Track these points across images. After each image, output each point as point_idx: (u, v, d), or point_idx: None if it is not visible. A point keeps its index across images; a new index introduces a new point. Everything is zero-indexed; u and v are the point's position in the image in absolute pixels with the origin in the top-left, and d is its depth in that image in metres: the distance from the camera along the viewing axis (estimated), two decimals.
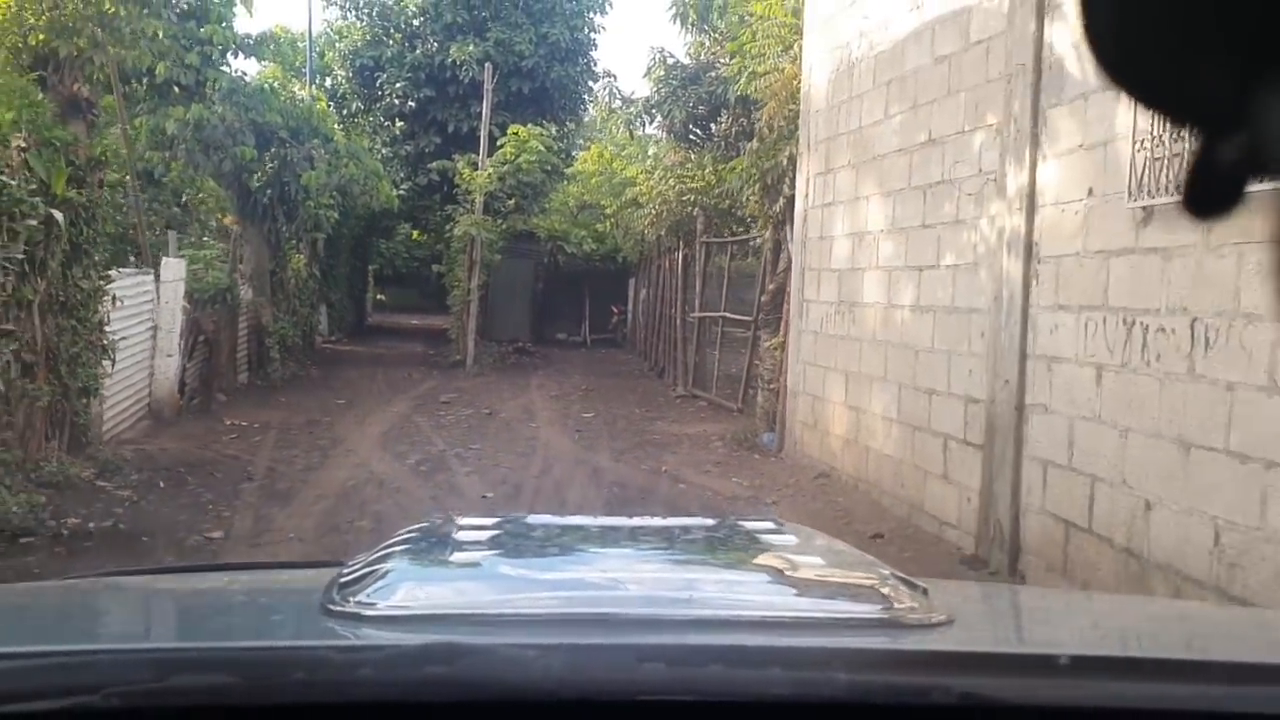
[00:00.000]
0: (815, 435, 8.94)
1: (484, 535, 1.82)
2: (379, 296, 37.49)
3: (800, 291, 9.33)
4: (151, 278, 10.69)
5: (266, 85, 14.52)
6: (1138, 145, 4.59)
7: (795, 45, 9.52)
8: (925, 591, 1.48)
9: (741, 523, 2.09)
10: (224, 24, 13.49)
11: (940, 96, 6.74)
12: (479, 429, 11.31)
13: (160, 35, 10.53)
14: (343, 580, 1.41)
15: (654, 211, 15.92)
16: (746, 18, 11.11)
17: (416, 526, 1.93)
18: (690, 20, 15.19)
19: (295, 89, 16.85)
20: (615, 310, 23.31)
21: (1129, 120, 4.66)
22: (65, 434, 7.94)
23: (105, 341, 8.53)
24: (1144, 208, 4.60)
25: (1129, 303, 4.73)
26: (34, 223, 6.70)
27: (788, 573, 1.62)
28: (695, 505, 7.66)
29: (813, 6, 9.07)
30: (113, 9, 8.20)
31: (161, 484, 7.82)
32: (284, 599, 1.70)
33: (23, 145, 6.71)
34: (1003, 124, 5.91)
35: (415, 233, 30.04)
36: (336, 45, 22.39)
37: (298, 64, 21.83)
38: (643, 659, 1.15)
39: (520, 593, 1.45)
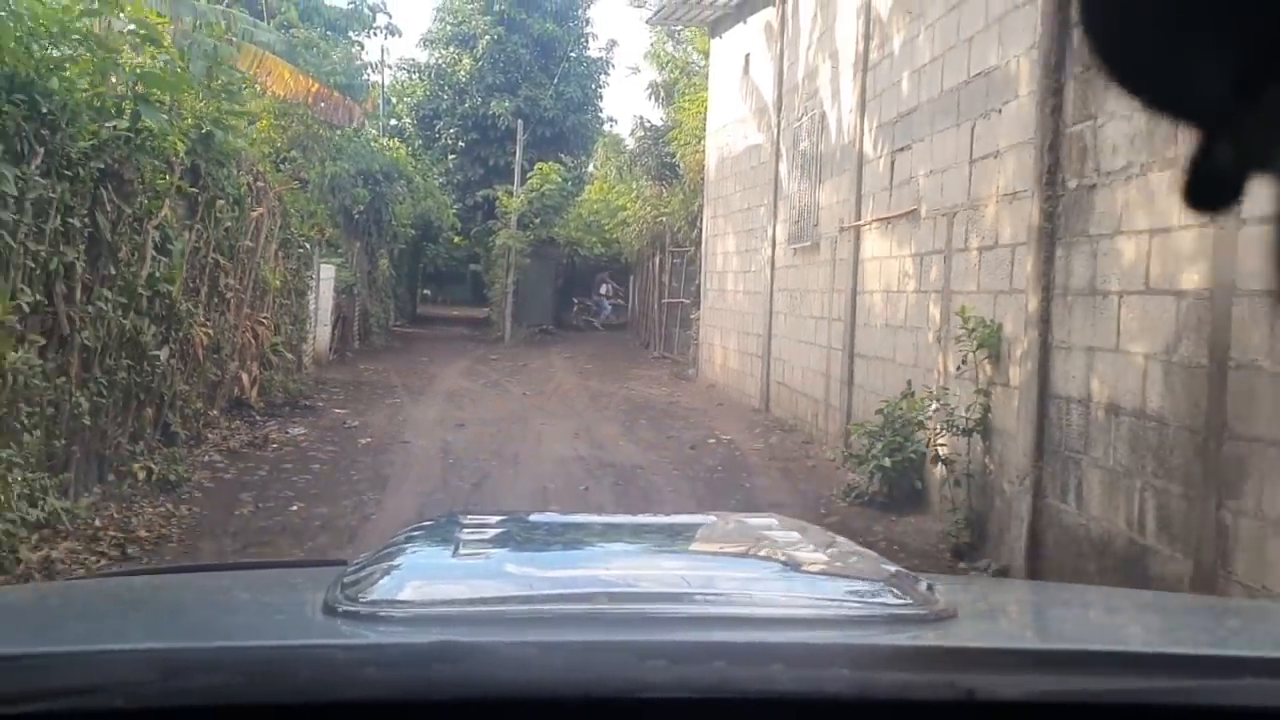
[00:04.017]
0: (711, 366, 15.68)
1: (487, 533, 1.83)
2: (425, 291, 44.57)
3: (705, 284, 16.08)
4: (314, 275, 17.50)
5: (372, 143, 21.32)
6: (790, 221, 11.30)
7: (702, 140, 16.26)
8: (929, 587, 1.48)
9: (744, 519, 2.16)
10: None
11: (750, 186, 13.45)
12: (518, 372, 18.08)
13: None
14: (347, 579, 1.43)
15: (638, 229, 22.62)
16: (679, 122, 17.89)
17: (421, 524, 2.01)
18: (660, 97, 21.92)
19: (378, 137, 23.64)
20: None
21: (789, 210, 11.37)
22: (294, 362, 14.73)
23: (308, 313, 15.36)
24: (794, 248, 11.29)
25: (791, 286, 11.43)
26: (302, 250, 13.52)
27: (790, 569, 1.63)
28: (637, 398, 14.35)
29: (710, 122, 15.85)
30: (320, 130, 15.05)
31: (351, 389, 14.60)
32: (289, 598, 1.71)
33: (291, 212, 13.49)
34: (769, 204, 12.60)
35: (457, 239, 36.94)
36: (404, 99, 29.43)
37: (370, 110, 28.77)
38: (645, 657, 1.16)
39: (524, 591, 1.46)
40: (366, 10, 21.96)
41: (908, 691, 1.13)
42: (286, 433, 9.99)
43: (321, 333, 17.82)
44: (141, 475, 7.37)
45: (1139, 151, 4.67)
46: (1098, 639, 1.56)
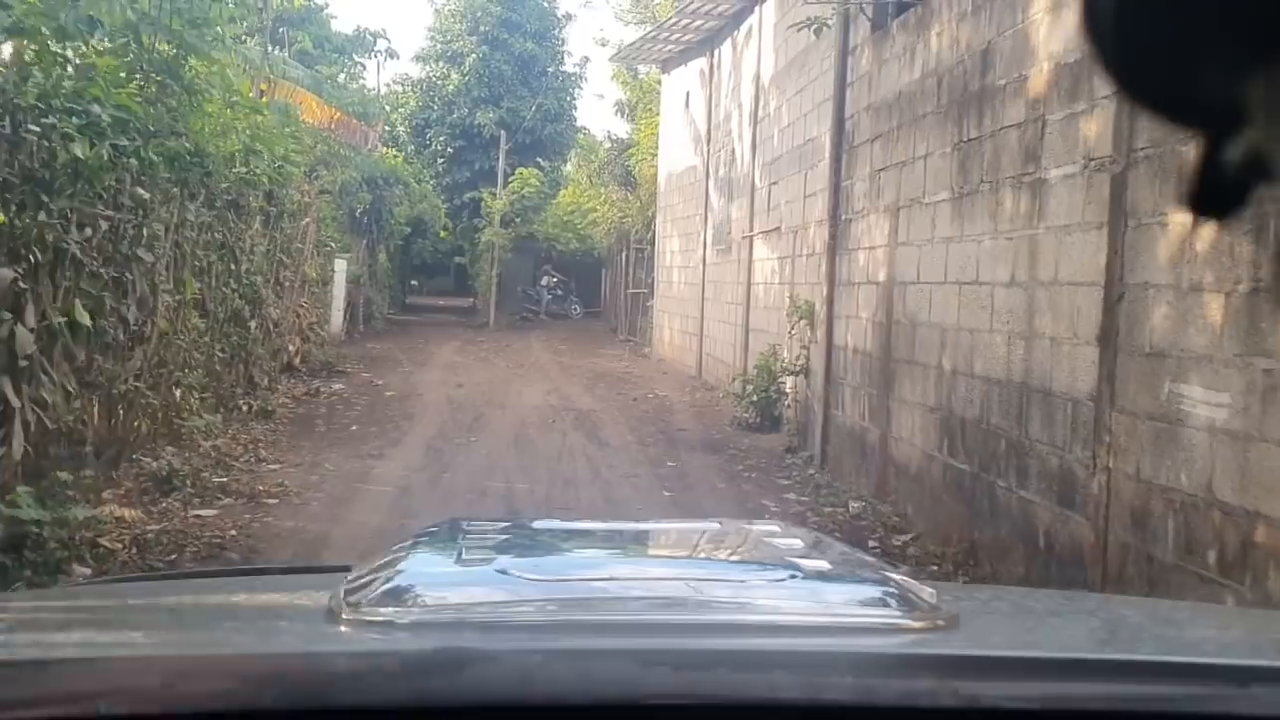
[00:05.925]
0: (661, 345, 19.08)
1: (490, 540, 1.85)
2: (413, 282, 47.88)
3: (658, 277, 19.46)
4: (332, 269, 20.77)
5: (374, 152, 24.57)
6: (714, 228, 14.69)
7: (655, 157, 19.65)
8: (931, 594, 1.50)
9: (747, 526, 2.16)
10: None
11: (689, 198, 16.84)
12: (502, 350, 21.42)
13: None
14: (349, 586, 1.44)
15: (606, 228, 25.99)
16: (637, 141, 21.28)
17: (423, 531, 1.99)
18: (625, 113, 25.30)
19: (378, 146, 26.91)
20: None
21: (714, 220, 14.75)
22: (322, 339, 17.99)
23: (329, 300, 18.65)
24: (716, 250, 14.67)
25: (716, 280, 14.81)
26: (329, 248, 16.81)
27: (794, 576, 1.63)
28: (599, 369, 17.70)
29: (661, 143, 19.24)
30: (340, 150, 18.34)
31: (367, 361, 17.89)
32: (291, 605, 1.72)
33: (321, 218, 16.76)
34: (702, 214, 15.96)
35: (444, 233, 40.28)
36: (399, 109, 32.73)
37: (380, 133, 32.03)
38: (648, 664, 1.17)
39: (527, 598, 1.47)
40: (369, 36, 25.20)
41: (911, 699, 1.14)
42: (330, 388, 13.31)
43: (336, 317, 21.11)
44: (245, 408, 10.69)
45: (866, 201, 8.07)
46: (1101, 646, 1.58)
